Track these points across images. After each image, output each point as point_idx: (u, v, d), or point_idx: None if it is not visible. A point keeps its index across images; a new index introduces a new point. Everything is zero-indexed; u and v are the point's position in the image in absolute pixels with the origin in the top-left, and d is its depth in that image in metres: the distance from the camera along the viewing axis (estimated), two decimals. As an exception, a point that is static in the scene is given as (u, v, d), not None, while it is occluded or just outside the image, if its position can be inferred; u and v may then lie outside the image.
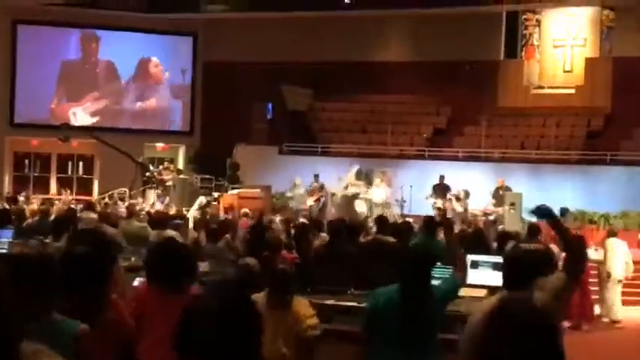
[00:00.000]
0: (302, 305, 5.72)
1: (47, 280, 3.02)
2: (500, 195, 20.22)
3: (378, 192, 21.10)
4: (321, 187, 22.04)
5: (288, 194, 22.25)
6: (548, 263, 4.94)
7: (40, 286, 2.99)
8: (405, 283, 5.02)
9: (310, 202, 21.77)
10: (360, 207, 20.55)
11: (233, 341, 2.17)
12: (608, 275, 13.46)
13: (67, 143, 25.14)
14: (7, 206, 14.90)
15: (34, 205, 14.49)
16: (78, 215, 11.56)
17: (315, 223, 12.75)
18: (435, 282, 5.30)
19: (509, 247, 6.88)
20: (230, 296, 2.25)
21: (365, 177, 21.91)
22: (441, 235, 11.08)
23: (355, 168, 21.85)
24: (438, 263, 7.32)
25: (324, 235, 11.00)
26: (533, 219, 4.80)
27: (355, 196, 20.79)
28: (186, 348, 2.20)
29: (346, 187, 21.18)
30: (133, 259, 8.60)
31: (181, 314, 2.25)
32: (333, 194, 21.67)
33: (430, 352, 5.03)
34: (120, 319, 4.45)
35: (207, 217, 14.72)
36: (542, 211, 4.88)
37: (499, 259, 7.17)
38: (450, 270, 6.76)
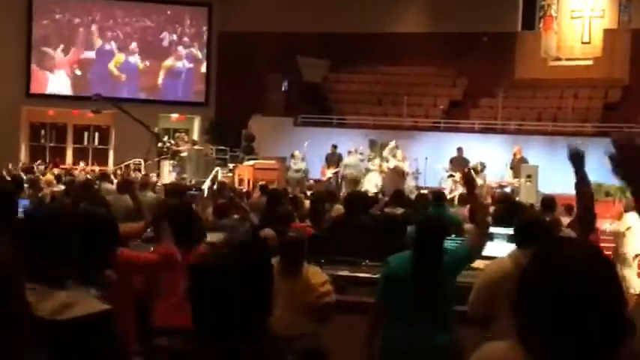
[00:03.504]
0: (314, 273, 5.68)
1: (60, 239, 2.91)
2: (517, 163, 20.19)
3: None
4: (339, 159, 21.90)
5: (293, 166, 21.90)
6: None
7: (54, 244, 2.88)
8: (417, 251, 5.02)
9: (329, 173, 21.71)
10: (372, 180, 20.45)
11: (246, 292, 2.14)
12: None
13: (84, 113, 25.24)
14: (24, 176, 14.97)
15: (50, 176, 14.50)
16: (96, 185, 11.63)
17: (330, 195, 12.73)
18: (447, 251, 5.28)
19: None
20: (245, 249, 2.22)
21: (380, 149, 21.80)
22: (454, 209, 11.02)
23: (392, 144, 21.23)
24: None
25: (339, 206, 10.98)
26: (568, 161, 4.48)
27: (403, 171, 20.49)
28: (198, 303, 2.15)
29: (387, 161, 20.87)
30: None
31: (191, 269, 2.22)
32: (346, 165, 21.54)
33: (444, 321, 5.02)
34: (125, 268, 4.54)
35: (218, 189, 14.68)
36: (575, 154, 4.52)
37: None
38: (459, 240, 6.74)
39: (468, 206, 8.95)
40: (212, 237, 6.41)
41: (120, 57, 29.07)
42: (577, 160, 4.48)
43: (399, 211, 10.14)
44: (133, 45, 29.11)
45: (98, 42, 28.99)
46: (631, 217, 13.69)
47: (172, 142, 22.90)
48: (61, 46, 28.65)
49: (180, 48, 29.44)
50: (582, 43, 25.73)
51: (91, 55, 28.96)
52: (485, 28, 25.55)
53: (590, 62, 25.35)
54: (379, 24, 26.72)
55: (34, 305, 2.66)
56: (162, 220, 5.29)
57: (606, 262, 1.88)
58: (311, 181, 20.72)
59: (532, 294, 1.86)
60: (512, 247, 5.28)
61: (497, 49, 25.31)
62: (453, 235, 7.68)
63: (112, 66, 28.99)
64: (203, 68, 29.55)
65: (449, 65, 26.52)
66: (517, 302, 1.89)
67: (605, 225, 12.99)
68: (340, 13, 26.75)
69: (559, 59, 25.88)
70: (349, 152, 21.48)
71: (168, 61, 29.34)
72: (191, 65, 29.53)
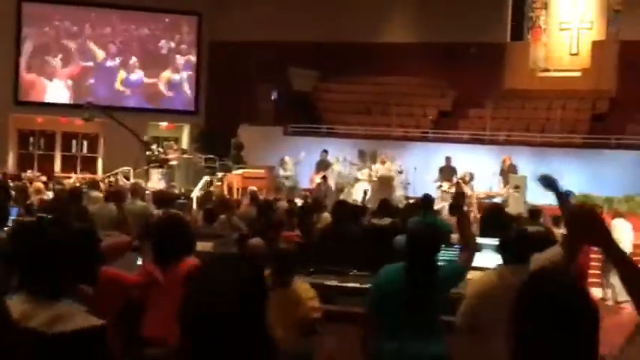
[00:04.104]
0: (302, 287, 5.70)
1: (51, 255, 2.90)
2: (507, 170, 20.34)
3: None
4: (327, 165, 21.92)
5: (282, 173, 22.03)
6: (550, 244, 4.99)
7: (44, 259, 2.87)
8: (411, 258, 5.02)
9: (318, 179, 21.70)
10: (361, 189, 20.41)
11: (240, 312, 2.14)
12: None
13: (72, 121, 25.13)
14: (11, 183, 14.89)
15: (39, 184, 14.44)
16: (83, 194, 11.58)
17: (317, 204, 12.72)
18: (440, 263, 5.30)
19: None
20: (240, 266, 2.22)
21: (370, 158, 21.82)
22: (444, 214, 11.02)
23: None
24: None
25: (326, 215, 10.99)
26: (539, 188, 4.67)
27: (391, 178, 20.53)
28: (189, 319, 2.15)
29: (374, 167, 20.87)
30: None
31: (185, 284, 2.21)
32: (335, 172, 21.58)
33: (433, 332, 5.03)
34: (107, 286, 4.52)
35: (208, 196, 14.65)
36: (547, 181, 4.73)
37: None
38: (455, 251, 6.76)
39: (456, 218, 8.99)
40: (201, 246, 6.43)
41: (122, 74, 28.94)
42: (552, 185, 4.59)
43: (386, 221, 10.15)
44: (133, 60, 29.00)
45: (98, 53, 28.87)
46: (618, 224, 13.76)
47: (161, 150, 22.83)
48: (60, 55, 28.56)
49: (177, 56, 29.43)
50: (570, 54, 25.87)
51: (89, 64, 28.85)
52: (474, 39, 25.64)
53: (578, 74, 25.46)
54: (369, 34, 26.79)
55: (26, 316, 2.65)
56: (144, 240, 5.34)
57: (582, 295, 2.29)
58: (301, 191, 20.77)
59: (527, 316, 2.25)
60: (498, 257, 5.30)
61: (486, 59, 25.39)
62: (442, 246, 7.69)
63: (117, 84, 28.88)
64: (193, 77, 29.51)
65: (438, 76, 26.57)
66: (515, 317, 2.27)
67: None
68: (330, 24, 26.77)
69: (547, 70, 26.00)
70: (337, 160, 21.55)
71: (166, 73, 29.27)
72: (190, 73, 29.53)
